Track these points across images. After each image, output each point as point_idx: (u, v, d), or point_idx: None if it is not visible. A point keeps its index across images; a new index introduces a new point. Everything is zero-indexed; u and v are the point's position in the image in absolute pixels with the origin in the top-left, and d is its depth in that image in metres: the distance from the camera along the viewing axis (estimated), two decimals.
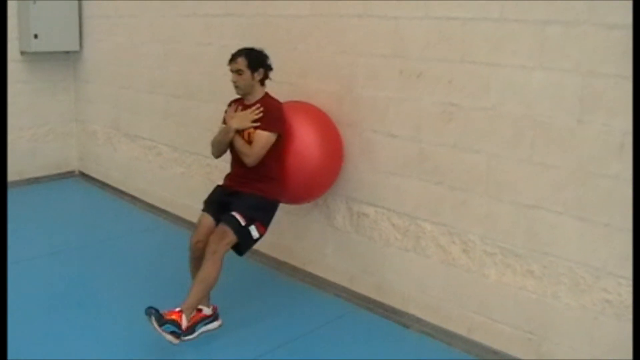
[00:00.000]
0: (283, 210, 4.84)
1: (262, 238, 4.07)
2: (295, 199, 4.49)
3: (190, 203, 5.95)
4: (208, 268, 3.81)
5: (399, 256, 4.29)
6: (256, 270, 5.04)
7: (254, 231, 3.98)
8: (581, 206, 3.36)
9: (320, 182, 4.41)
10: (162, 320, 3.61)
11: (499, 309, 3.81)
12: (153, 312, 3.62)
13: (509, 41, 3.55)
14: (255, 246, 5.01)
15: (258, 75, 4.08)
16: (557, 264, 3.50)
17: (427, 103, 3.98)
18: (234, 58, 4.07)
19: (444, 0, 3.81)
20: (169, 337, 3.63)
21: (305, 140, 4.21)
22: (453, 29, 3.79)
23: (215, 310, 4.08)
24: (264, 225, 4.06)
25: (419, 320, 4.21)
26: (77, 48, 7.32)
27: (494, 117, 3.66)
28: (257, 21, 5.01)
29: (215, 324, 4.06)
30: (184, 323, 3.68)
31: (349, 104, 4.42)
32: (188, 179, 6.09)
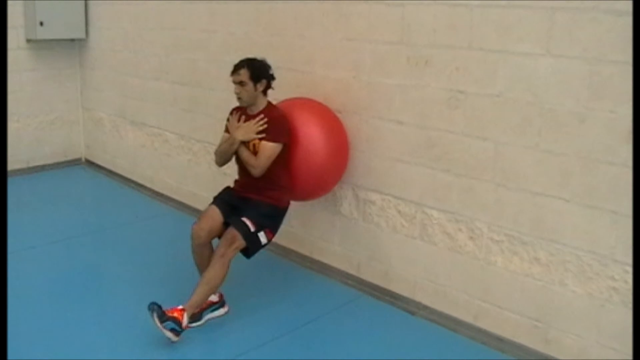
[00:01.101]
0: None
1: (270, 243, 4.11)
2: (304, 197, 4.52)
3: (196, 190, 5.97)
4: (215, 270, 3.83)
5: (405, 243, 4.29)
6: (263, 257, 5.02)
7: (262, 237, 4.00)
8: (588, 193, 3.36)
9: (328, 180, 4.42)
10: (163, 317, 3.63)
11: (505, 296, 3.81)
12: (155, 309, 3.64)
13: (516, 28, 3.53)
14: None
15: (261, 86, 4.05)
16: (564, 252, 3.50)
17: (434, 90, 3.97)
18: (236, 70, 4.04)
19: None
20: (169, 334, 3.65)
21: (311, 139, 4.19)
22: (460, 15, 3.77)
23: (222, 297, 4.09)
24: (272, 232, 4.09)
25: (425, 307, 4.22)
26: (83, 35, 7.31)
27: (501, 104, 3.65)
28: (263, 8, 4.99)
29: (222, 311, 4.08)
30: (185, 321, 3.70)
31: (356, 91, 4.41)
32: (194, 166, 6.10)
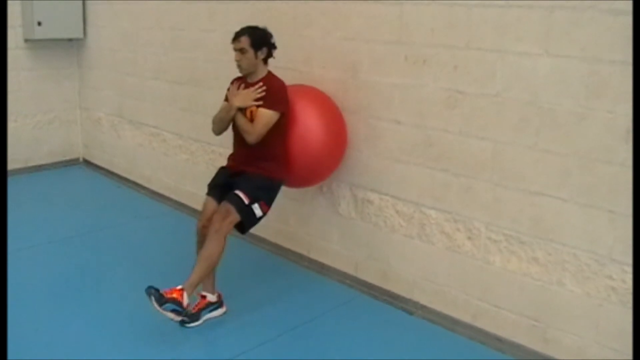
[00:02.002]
0: (288, 197, 4.86)
1: (265, 216, 4.06)
2: (299, 182, 4.48)
3: (194, 190, 5.96)
4: (211, 246, 3.81)
5: (403, 243, 4.29)
6: (261, 256, 5.05)
7: (257, 210, 3.96)
8: (586, 193, 3.36)
9: (324, 164, 4.39)
10: (162, 300, 3.60)
11: (503, 296, 3.81)
12: (153, 292, 3.61)
13: (514, 27, 3.53)
14: (260, 233, 5.05)
15: (261, 54, 4.05)
16: (562, 251, 3.50)
17: (432, 89, 3.96)
18: (237, 37, 4.04)
19: None
20: (170, 315, 3.62)
21: (309, 122, 4.20)
22: (458, 15, 3.77)
23: (220, 297, 4.09)
24: (267, 204, 4.05)
25: (423, 307, 4.22)
26: (81, 35, 7.30)
27: (500, 104, 3.65)
28: (261, 7, 4.99)
29: (220, 311, 4.08)
30: (185, 300, 3.67)
31: (354, 91, 4.41)
32: (192, 165, 6.09)
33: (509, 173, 3.67)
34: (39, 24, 6.89)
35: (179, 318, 3.67)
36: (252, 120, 4.00)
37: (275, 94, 4.04)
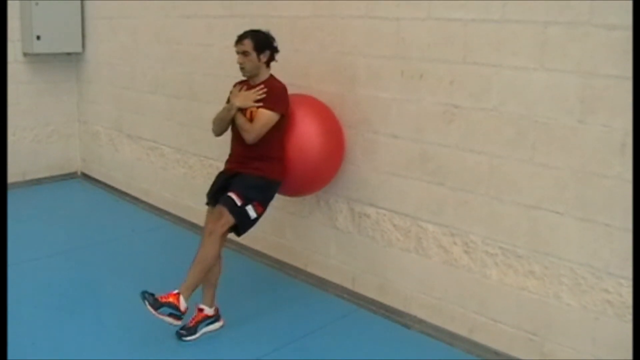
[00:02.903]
0: (285, 211, 4.87)
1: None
2: (295, 190, 4.48)
3: (192, 204, 5.96)
4: (205, 248, 3.81)
5: (400, 257, 4.30)
6: (258, 270, 5.05)
7: (251, 211, 3.94)
8: (582, 207, 3.37)
9: (321, 173, 4.39)
10: (157, 304, 3.61)
11: (500, 310, 3.81)
12: (147, 297, 3.61)
13: (510, 42, 3.56)
14: (258, 246, 5.05)
15: (264, 57, 4.09)
16: (559, 265, 3.51)
17: (428, 104, 3.98)
18: (240, 39, 4.08)
19: (445, 1, 3.82)
20: (169, 320, 3.62)
21: (307, 129, 4.22)
22: (454, 30, 3.79)
23: (217, 310, 4.08)
24: (262, 205, 4.03)
25: (420, 321, 4.22)
26: (79, 49, 7.34)
27: (496, 118, 3.67)
28: (258, 22, 5.00)
29: (217, 325, 4.07)
30: (182, 305, 3.67)
31: (351, 105, 4.43)
32: (190, 179, 6.10)
33: (506, 187, 3.68)
34: (38, 38, 6.93)
35: (177, 322, 3.66)
36: (251, 120, 4.03)
37: (276, 95, 4.07)
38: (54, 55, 7.33)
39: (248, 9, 5.13)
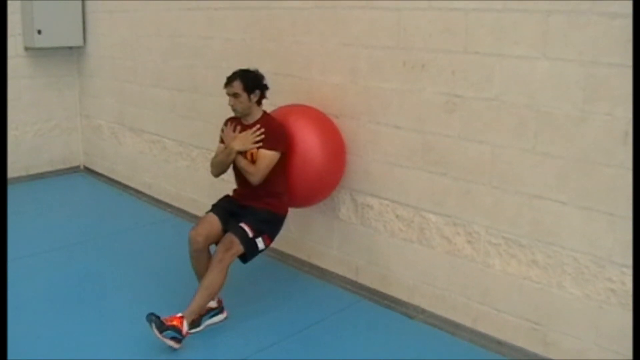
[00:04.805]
0: None
1: (267, 248, 4.11)
2: (302, 204, 4.53)
3: (195, 197, 5.97)
4: (214, 276, 3.83)
5: (403, 247, 4.30)
6: (262, 262, 5.03)
7: (260, 243, 4.02)
8: (585, 196, 3.37)
9: (325, 186, 4.43)
10: (162, 327, 3.64)
11: (503, 299, 3.82)
12: (154, 319, 3.64)
13: (512, 31, 3.55)
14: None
15: (255, 97, 4.06)
16: (562, 254, 3.51)
17: (430, 94, 3.98)
18: (229, 82, 4.05)
19: None
20: (170, 343, 3.67)
21: (308, 146, 4.21)
22: (456, 19, 3.78)
23: (221, 303, 4.10)
24: (270, 238, 4.11)
25: (423, 311, 4.23)
26: (81, 43, 7.33)
27: (498, 108, 3.66)
28: (260, 14, 5.01)
29: (220, 317, 4.08)
30: (185, 329, 3.71)
31: (353, 96, 4.43)
32: (193, 172, 6.11)
33: (508, 176, 3.68)
34: (39, 32, 6.91)
35: (178, 346, 3.70)
36: (253, 161, 4.03)
37: (275, 134, 4.05)
38: (56, 49, 7.32)
39: (249, 1, 5.11)
